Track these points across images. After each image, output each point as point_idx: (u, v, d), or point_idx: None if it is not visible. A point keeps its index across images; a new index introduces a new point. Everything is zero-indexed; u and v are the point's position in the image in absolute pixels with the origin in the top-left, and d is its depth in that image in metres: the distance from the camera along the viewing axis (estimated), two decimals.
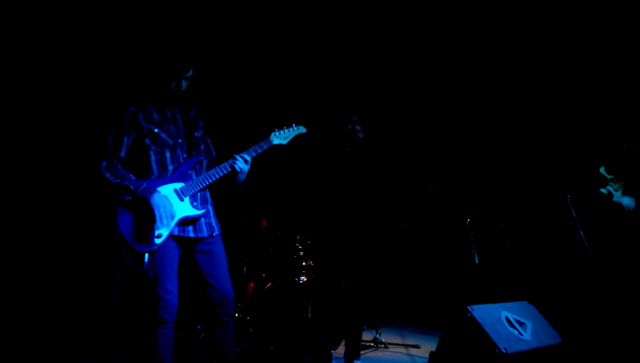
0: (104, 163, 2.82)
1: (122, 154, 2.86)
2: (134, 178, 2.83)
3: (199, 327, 4.16)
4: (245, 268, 4.64)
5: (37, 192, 4.31)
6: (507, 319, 3.39)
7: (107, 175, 2.80)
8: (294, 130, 3.11)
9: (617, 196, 4.04)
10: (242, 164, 2.90)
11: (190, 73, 2.92)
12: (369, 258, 4.44)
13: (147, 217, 2.75)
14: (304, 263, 4.35)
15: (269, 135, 3.05)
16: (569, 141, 5.33)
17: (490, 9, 5.27)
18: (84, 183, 4.28)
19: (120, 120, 2.87)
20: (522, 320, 3.46)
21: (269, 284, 4.20)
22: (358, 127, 4.31)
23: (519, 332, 3.35)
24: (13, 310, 4.09)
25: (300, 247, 4.41)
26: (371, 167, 4.53)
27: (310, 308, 4.12)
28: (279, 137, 3.06)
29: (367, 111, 6.02)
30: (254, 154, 2.97)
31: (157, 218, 2.72)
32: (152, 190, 2.77)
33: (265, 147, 3.01)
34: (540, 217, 5.41)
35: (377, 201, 4.51)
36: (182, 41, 3.16)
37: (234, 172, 2.90)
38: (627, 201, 4.05)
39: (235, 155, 2.92)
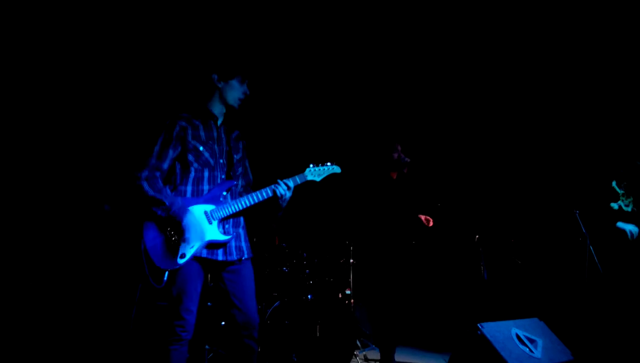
0: (146, 172, 2.77)
1: (165, 166, 2.83)
2: (170, 193, 2.81)
3: (207, 346, 4.14)
4: None
5: (65, 202, 4.38)
6: (518, 336, 3.35)
7: (145, 185, 2.76)
8: (328, 168, 3.03)
9: (620, 223, 4.10)
10: (283, 190, 2.88)
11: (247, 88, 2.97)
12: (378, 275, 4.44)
13: (174, 235, 2.73)
14: (311, 282, 4.33)
15: (304, 169, 3.00)
16: (578, 156, 5.32)
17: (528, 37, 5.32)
18: (113, 193, 4.32)
19: (169, 132, 2.82)
20: (533, 337, 3.43)
21: (277, 303, 4.19)
22: (403, 155, 4.49)
23: (530, 350, 3.31)
24: (34, 319, 4.14)
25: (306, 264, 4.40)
26: (414, 188, 4.68)
27: (318, 326, 4.09)
28: (313, 174, 3.00)
29: (375, 129, 6.08)
30: (292, 184, 2.92)
31: (186, 239, 2.71)
32: (185, 209, 2.75)
33: (299, 182, 2.97)
34: (550, 232, 5.37)
35: (394, 217, 4.54)
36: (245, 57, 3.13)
37: (275, 197, 2.88)
38: (631, 227, 4.09)
39: (278, 180, 2.89)
